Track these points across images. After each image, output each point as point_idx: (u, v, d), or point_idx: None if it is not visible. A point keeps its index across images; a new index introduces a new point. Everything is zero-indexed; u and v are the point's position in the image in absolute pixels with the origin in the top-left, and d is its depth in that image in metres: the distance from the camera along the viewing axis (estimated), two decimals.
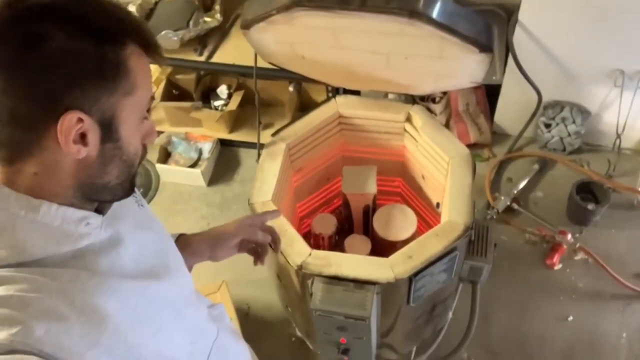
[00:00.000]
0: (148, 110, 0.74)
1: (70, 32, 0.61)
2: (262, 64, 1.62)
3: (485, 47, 1.26)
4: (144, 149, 0.76)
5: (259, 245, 1.13)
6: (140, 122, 0.72)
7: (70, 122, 0.62)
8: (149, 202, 2.47)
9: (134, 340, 0.71)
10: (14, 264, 0.64)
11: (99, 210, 0.75)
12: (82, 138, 0.65)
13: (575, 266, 2.10)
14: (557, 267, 2.10)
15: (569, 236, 2.10)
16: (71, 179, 0.68)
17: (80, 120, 0.63)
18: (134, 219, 0.83)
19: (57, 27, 0.61)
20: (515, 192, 2.28)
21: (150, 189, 2.51)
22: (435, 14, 1.18)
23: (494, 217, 2.23)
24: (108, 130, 0.67)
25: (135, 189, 0.90)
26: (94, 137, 0.66)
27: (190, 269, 1.05)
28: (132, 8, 2.36)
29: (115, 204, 0.78)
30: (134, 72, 0.66)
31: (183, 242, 1.05)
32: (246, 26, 1.36)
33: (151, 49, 0.70)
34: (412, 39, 1.28)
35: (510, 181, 2.37)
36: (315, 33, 1.34)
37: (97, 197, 0.72)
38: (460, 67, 1.37)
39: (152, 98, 0.74)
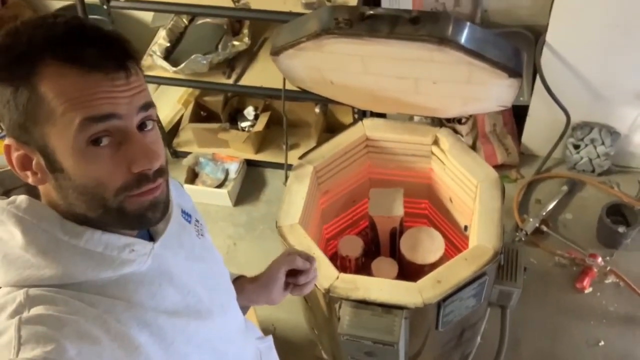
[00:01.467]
0: (130, 131, 0.65)
1: None
2: (289, 86, 1.64)
3: (514, 72, 1.26)
4: (136, 177, 0.66)
5: (300, 274, 1.04)
6: (88, 149, 0.63)
7: (6, 149, 0.65)
8: None
9: None
10: (57, 285, 0.65)
11: (152, 237, 0.74)
12: (30, 165, 0.65)
13: (606, 290, 2.06)
14: (588, 290, 2.06)
15: (600, 259, 2.06)
16: (62, 207, 0.67)
17: (10, 147, 0.65)
18: (189, 249, 0.81)
19: None
20: (544, 214, 2.25)
21: None
22: (464, 40, 1.19)
23: (523, 239, 2.20)
24: (50, 159, 0.64)
25: (198, 217, 0.89)
26: (38, 165, 0.65)
27: (245, 310, 1.05)
28: (162, 32, 2.41)
29: (173, 232, 0.76)
30: (48, 96, 0.61)
31: (239, 286, 1.02)
32: (276, 52, 1.38)
33: (76, 62, 0.61)
34: (441, 65, 1.28)
35: (539, 203, 2.34)
36: (344, 59, 1.35)
37: (102, 226, 0.68)
38: (489, 92, 1.37)
39: (95, 119, 0.62)
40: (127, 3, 2.08)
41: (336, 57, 1.34)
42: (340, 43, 1.26)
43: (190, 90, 2.67)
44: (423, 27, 1.17)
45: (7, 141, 0.65)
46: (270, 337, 1.09)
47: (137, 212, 0.67)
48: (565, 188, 2.33)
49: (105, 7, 2.10)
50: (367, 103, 1.62)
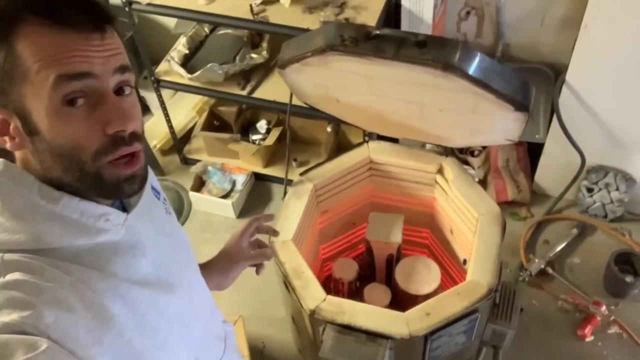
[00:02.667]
0: (105, 93, 0.65)
1: None
2: (301, 102, 1.63)
3: (521, 105, 1.22)
4: (111, 140, 0.66)
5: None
6: (63, 109, 0.63)
7: None
8: None
9: (138, 346, 0.71)
10: (31, 249, 0.65)
11: (125, 208, 0.75)
12: (7, 129, 0.65)
13: (608, 340, 1.99)
14: (589, 339, 1.99)
15: (604, 308, 1.99)
16: (38, 173, 0.67)
17: None
18: (159, 224, 0.83)
19: None
20: (551, 255, 2.19)
21: (181, 215, 2.53)
22: (470, 68, 1.16)
23: (527, 279, 2.14)
24: (26, 122, 0.64)
25: (165, 196, 0.91)
26: (16, 129, 0.65)
27: None
28: (182, 39, 2.42)
29: (143, 206, 0.77)
30: (24, 55, 0.61)
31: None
32: (282, 66, 1.37)
33: (53, 20, 0.61)
34: (446, 92, 1.26)
35: (547, 244, 2.28)
36: (349, 78, 1.33)
37: (80, 193, 0.68)
38: (495, 124, 1.34)
39: (70, 76, 0.62)
40: (148, 7, 2.10)
41: (341, 75, 1.33)
42: (344, 61, 1.24)
43: (205, 98, 2.68)
44: (429, 51, 1.15)
45: None
46: (231, 324, 1.10)
47: (114, 181, 0.67)
48: (575, 231, 2.27)
49: (127, 9, 2.12)
50: (373, 125, 1.60)
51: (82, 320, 0.64)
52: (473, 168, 2.35)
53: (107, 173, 0.67)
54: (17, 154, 0.69)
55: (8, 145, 0.66)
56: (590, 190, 2.27)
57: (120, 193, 0.70)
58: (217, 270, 1.08)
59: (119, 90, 0.67)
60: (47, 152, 0.65)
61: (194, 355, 0.87)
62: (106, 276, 0.69)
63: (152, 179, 0.90)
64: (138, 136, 0.69)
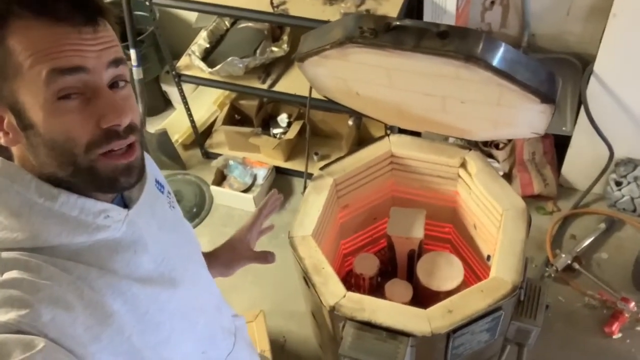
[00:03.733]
0: (99, 87, 0.64)
1: None
2: (322, 96, 1.61)
3: (546, 97, 1.18)
4: (105, 133, 0.65)
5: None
6: (57, 103, 0.62)
7: None
8: (200, 222, 2.49)
9: (138, 343, 0.70)
10: (29, 248, 0.64)
11: (126, 204, 0.74)
12: (1, 125, 0.65)
13: (636, 337, 1.94)
14: (616, 336, 1.94)
15: (632, 304, 1.94)
16: (36, 169, 0.67)
17: None
18: (162, 219, 0.82)
19: None
20: (578, 250, 2.14)
21: (203, 209, 2.53)
22: (493, 59, 1.12)
23: (552, 275, 2.09)
24: (20, 116, 0.64)
25: (169, 190, 0.90)
26: (9, 124, 0.65)
27: None
28: (203, 33, 2.42)
29: (145, 201, 0.76)
30: (16, 50, 0.60)
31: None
32: (301, 59, 1.35)
33: (44, 14, 0.60)
34: (468, 83, 1.22)
35: (574, 239, 2.23)
36: (369, 70, 1.31)
37: (74, 188, 0.68)
38: (520, 116, 1.30)
39: (62, 70, 0.61)
40: (168, 1, 2.09)
41: (361, 67, 1.30)
42: (364, 53, 1.21)
43: (226, 92, 2.67)
44: (451, 42, 1.11)
45: None
46: (243, 317, 1.09)
47: (109, 173, 0.67)
48: (603, 226, 2.21)
49: (147, 3, 2.11)
50: (394, 118, 1.57)
51: (80, 318, 0.63)
52: (497, 161, 2.31)
53: (101, 165, 0.66)
54: (15, 151, 0.68)
55: (2, 141, 0.66)
56: (618, 183, 2.21)
57: (117, 186, 0.69)
58: (219, 262, 1.08)
59: (113, 84, 0.66)
60: (41, 146, 0.64)
61: (201, 350, 0.86)
62: (106, 273, 0.68)
63: (157, 171, 0.90)
64: (134, 128, 0.68)
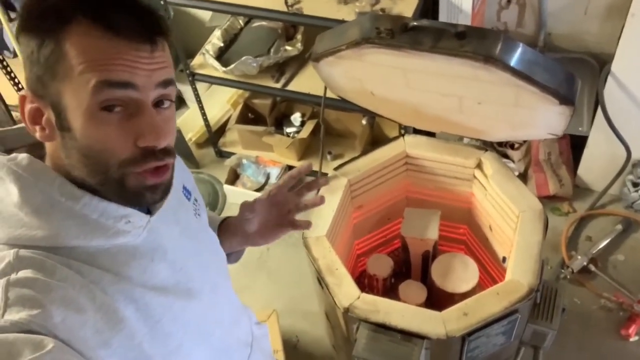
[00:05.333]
0: (144, 105, 0.64)
1: (24, 13, 0.63)
2: (336, 95, 1.60)
3: (565, 98, 1.17)
4: (141, 152, 0.65)
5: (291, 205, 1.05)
6: (99, 113, 0.63)
7: (20, 100, 0.66)
8: None
9: (149, 351, 0.70)
10: (46, 247, 0.64)
11: (149, 210, 0.74)
12: (40, 119, 0.66)
13: None
14: (633, 338, 1.92)
15: None
16: (61, 170, 0.67)
17: (24, 98, 0.65)
18: (185, 226, 0.81)
19: (22, 10, 0.63)
20: (594, 252, 2.12)
21: (216, 208, 2.54)
22: (512, 60, 1.11)
23: (568, 277, 2.07)
24: (60, 116, 0.64)
25: (198, 197, 0.90)
26: (48, 120, 0.65)
27: (241, 253, 1.07)
28: (217, 32, 2.42)
29: (170, 208, 0.76)
30: (70, 53, 0.61)
31: (226, 225, 1.04)
32: (316, 59, 1.34)
33: (106, 25, 0.61)
34: (486, 84, 1.21)
35: (590, 240, 2.21)
36: (385, 71, 1.30)
37: (107, 195, 0.68)
38: (538, 117, 1.29)
39: (109, 83, 0.62)
40: (183, 0, 2.09)
41: (377, 68, 1.29)
42: (380, 53, 1.20)
43: (240, 91, 2.67)
44: (469, 43, 1.10)
45: (23, 92, 0.66)
46: (265, 326, 1.08)
47: (136, 189, 0.67)
48: (619, 227, 2.19)
49: (162, 2, 2.12)
50: (409, 118, 1.56)
51: (90, 321, 0.63)
52: (513, 161, 2.29)
53: (131, 181, 0.67)
54: (48, 147, 0.69)
55: (38, 135, 0.66)
56: (635, 184, 2.18)
57: (142, 201, 0.69)
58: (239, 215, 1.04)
59: (158, 103, 0.67)
60: (75, 150, 0.65)
61: None
62: (120, 280, 0.68)
63: (187, 178, 0.89)
64: (169, 152, 0.68)
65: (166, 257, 0.74)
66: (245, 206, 1.02)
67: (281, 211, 1.04)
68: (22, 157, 0.67)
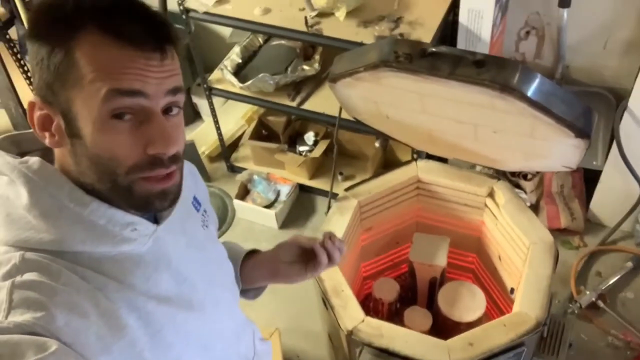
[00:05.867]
0: (153, 112, 0.65)
1: (34, 21, 0.64)
2: (350, 116, 1.60)
3: (581, 132, 1.16)
4: (149, 160, 0.66)
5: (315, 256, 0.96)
6: (110, 120, 0.63)
7: (30, 106, 0.66)
8: (221, 235, 2.49)
9: (150, 359, 0.70)
10: (52, 251, 0.65)
11: (157, 219, 0.74)
12: (50, 126, 0.66)
13: None
14: None
15: None
16: (69, 175, 0.68)
17: (34, 105, 0.65)
18: (192, 237, 0.81)
19: (32, 17, 0.64)
20: (603, 288, 2.09)
21: (225, 222, 2.54)
22: (529, 90, 1.11)
23: (576, 312, 2.04)
24: (70, 123, 0.64)
25: (208, 208, 0.90)
26: (58, 127, 0.65)
27: (261, 290, 1.06)
28: (236, 48, 2.44)
29: (178, 218, 0.76)
30: (81, 61, 0.61)
31: (255, 257, 1.02)
32: (333, 80, 1.35)
33: (116, 34, 0.61)
34: (502, 114, 1.21)
35: (599, 276, 2.18)
36: (401, 95, 1.30)
37: (116, 202, 0.68)
38: (553, 149, 1.28)
39: (121, 92, 0.62)
40: (204, 15, 2.12)
41: (393, 91, 1.30)
42: (398, 77, 1.21)
43: (255, 108, 2.68)
44: (487, 71, 1.10)
45: (32, 99, 0.66)
46: (269, 343, 1.07)
47: (144, 196, 0.67)
48: (630, 264, 2.16)
49: (184, 17, 2.14)
50: (423, 144, 1.56)
51: (93, 326, 0.63)
52: (525, 192, 2.27)
53: (139, 187, 0.67)
54: (56, 152, 0.69)
55: (47, 141, 0.67)
56: None
57: (150, 207, 0.69)
58: (267, 253, 1.02)
59: (167, 110, 0.67)
60: (84, 157, 0.65)
61: None
62: (123, 288, 0.68)
63: (199, 189, 0.89)
64: (178, 157, 0.69)
65: (170, 267, 0.74)
66: (284, 245, 1.00)
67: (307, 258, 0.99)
68: (34, 160, 0.67)
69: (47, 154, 0.70)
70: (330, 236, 0.95)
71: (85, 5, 0.62)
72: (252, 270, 1.00)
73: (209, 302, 0.81)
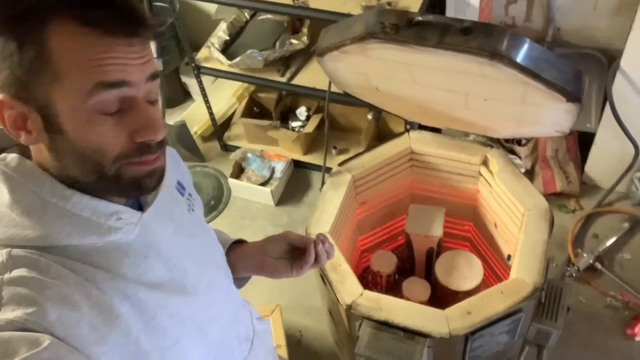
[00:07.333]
0: (137, 101, 0.64)
1: None
2: (339, 90, 1.58)
3: (572, 96, 1.15)
4: (137, 147, 0.65)
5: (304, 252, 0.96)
6: (95, 114, 0.61)
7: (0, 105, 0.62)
8: (218, 214, 2.49)
9: (146, 346, 0.70)
10: (39, 246, 0.64)
11: (141, 207, 0.73)
12: (24, 123, 0.63)
13: None
14: (639, 338, 1.90)
15: None
16: (54, 168, 0.66)
17: (4, 104, 0.62)
18: (179, 222, 0.80)
19: None
20: (600, 250, 2.10)
21: (221, 202, 2.53)
22: (518, 56, 1.09)
23: (574, 274, 2.06)
24: (49, 120, 0.62)
25: (192, 192, 0.89)
26: (34, 124, 0.63)
27: (245, 281, 1.05)
28: (223, 25, 2.40)
29: (163, 204, 0.75)
30: (57, 55, 0.59)
31: (241, 247, 1.02)
32: (320, 54, 1.33)
33: (99, 23, 0.59)
34: (492, 81, 1.19)
35: (596, 238, 2.19)
36: (390, 66, 1.28)
37: (93, 192, 0.67)
38: (544, 115, 1.27)
39: (107, 84, 0.60)
40: None
41: (381, 63, 1.28)
42: (385, 49, 1.19)
43: (245, 85, 2.66)
44: (475, 38, 1.08)
45: (1, 95, 0.62)
46: (269, 322, 1.06)
47: (133, 178, 0.67)
48: (626, 225, 2.17)
49: None
50: (415, 114, 1.54)
51: (86, 318, 0.63)
52: (520, 158, 2.27)
53: (126, 172, 0.66)
54: (33, 148, 0.67)
55: (22, 139, 0.64)
56: None
57: (140, 188, 0.68)
58: (256, 244, 1.01)
59: (146, 96, 0.66)
60: (67, 152, 0.64)
61: (212, 356, 0.84)
62: (113, 277, 0.67)
63: (182, 173, 0.88)
64: (164, 142, 0.68)
65: (160, 254, 0.74)
66: (274, 239, 0.99)
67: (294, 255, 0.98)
68: (12, 157, 0.66)
69: (24, 150, 0.68)
70: (322, 239, 0.95)
71: None
72: (238, 261, 0.99)
73: (202, 286, 0.81)
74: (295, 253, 0.97)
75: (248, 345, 0.96)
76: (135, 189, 0.68)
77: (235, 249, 1.01)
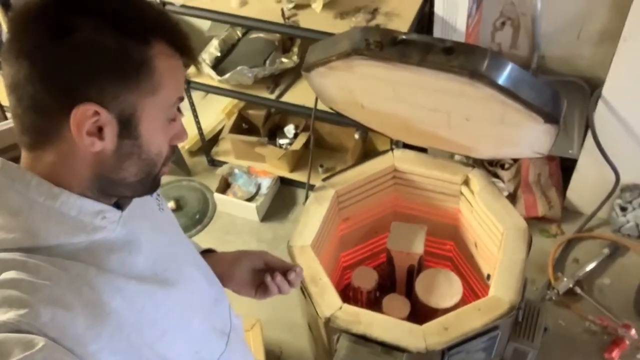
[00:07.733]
0: (179, 110, 0.74)
1: (96, 26, 0.63)
2: (329, 108, 1.61)
3: (550, 117, 1.18)
4: (172, 149, 0.75)
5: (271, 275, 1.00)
6: (166, 123, 0.71)
7: (84, 114, 0.63)
8: (202, 229, 2.49)
9: (136, 341, 0.71)
10: (26, 248, 0.65)
11: (119, 206, 0.75)
12: (99, 131, 0.65)
13: None
14: None
15: (633, 331, 1.91)
16: (87, 171, 0.68)
17: (96, 113, 0.64)
18: (153, 220, 0.83)
19: (84, 20, 0.62)
20: (580, 275, 2.12)
21: (206, 216, 2.54)
22: (498, 77, 1.13)
23: (554, 298, 2.07)
24: (127, 127, 0.67)
25: (159, 192, 0.91)
26: (110, 132, 0.66)
27: None
28: (215, 42, 2.44)
29: (136, 204, 0.78)
30: (158, 72, 0.66)
31: (209, 256, 1.02)
32: (307, 69, 1.36)
33: (182, 50, 0.70)
34: (473, 100, 1.22)
35: (577, 262, 2.21)
36: (374, 83, 1.31)
37: (114, 191, 0.72)
38: (523, 135, 1.30)
39: (181, 99, 0.72)
40: (182, 9, 2.12)
41: (366, 80, 1.31)
42: (369, 66, 1.22)
43: (235, 101, 2.68)
44: (456, 58, 1.12)
45: (94, 107, 0.63)
46: (241, 317, 1.07)
47: (159, 179, 0.76)
48: (606, 251, 2.19)
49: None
50: (400, 133, 1.57)
51: (79, 317, 0.64)
52: (503, 181, 2.30)
53: (162, 172, 0.75)
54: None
55: (91, 146, 0.65)
56: (624, 209, 2.20)
57: (157, 187, 0.77)
58: (224, 259, 1.04)
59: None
60: (135, 155, 0.69)
61: (194, 349, 0.86)
62: (103, 272, 0.69)
63: None
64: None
65: (141, 250, 0.75)
66: (251, 256, 1.03)
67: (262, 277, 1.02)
68: None
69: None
70: (295, 272, 1.00)
71: (152, 15, 0.67)
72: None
73: (182, 279, 0.82)
74: (263, 275, 1.00)
75: (225, 340, 0.97)
76: (155, 187, 0.76)
77: (205, 257, 1.01)
